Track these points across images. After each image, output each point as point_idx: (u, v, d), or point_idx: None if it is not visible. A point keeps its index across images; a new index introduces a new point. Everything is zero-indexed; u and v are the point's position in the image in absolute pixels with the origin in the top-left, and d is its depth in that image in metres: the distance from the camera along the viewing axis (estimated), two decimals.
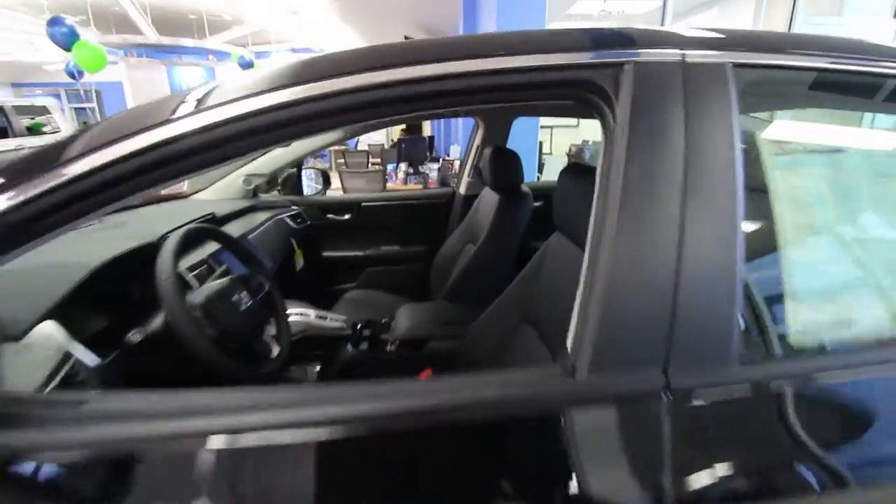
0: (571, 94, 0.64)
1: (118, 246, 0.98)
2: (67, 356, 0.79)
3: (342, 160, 7.87)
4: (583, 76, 0.61)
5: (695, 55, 0.61)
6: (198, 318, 0.87)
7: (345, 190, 4.51)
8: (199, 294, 0.94)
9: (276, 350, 1.04)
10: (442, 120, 8.90)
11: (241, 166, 2.00)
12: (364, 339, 1.47)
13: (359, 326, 1.51)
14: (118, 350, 0.83)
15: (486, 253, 1.67)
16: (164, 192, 2.15)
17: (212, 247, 1.30)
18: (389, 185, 4.81)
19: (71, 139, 0.60)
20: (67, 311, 0.85)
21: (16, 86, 12.87)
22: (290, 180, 2.21)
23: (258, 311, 1.06)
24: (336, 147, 9.94)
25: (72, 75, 7.01)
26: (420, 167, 4.96)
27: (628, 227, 0.55)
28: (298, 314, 1.46)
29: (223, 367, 0.85)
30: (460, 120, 5.52)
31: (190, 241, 0.96)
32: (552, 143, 6.90)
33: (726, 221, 0.56)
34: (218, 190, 1.97)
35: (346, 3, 6.90)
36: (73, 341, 0.79)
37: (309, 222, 2.15)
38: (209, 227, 1.04)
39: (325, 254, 2.22)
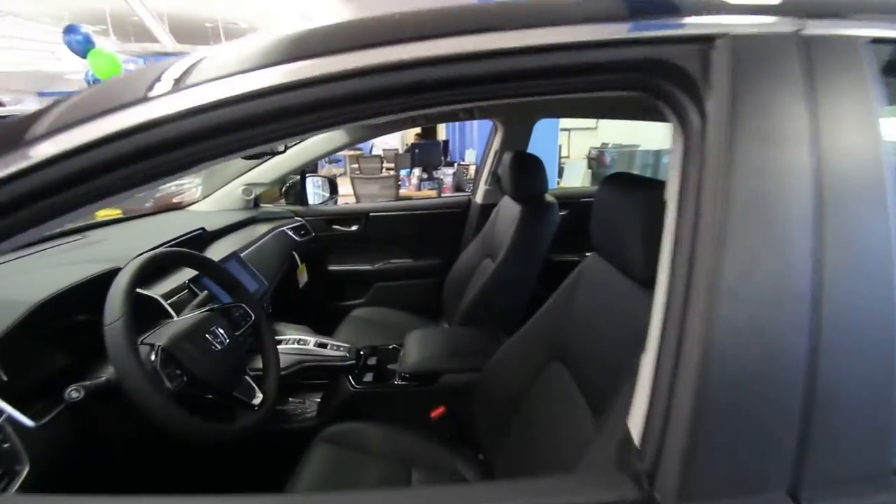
0: (630, 80, 0.46)
1: (77, 272, 0.84)
2: None
3: (356, 165, 7.80)
4: (653, 55, 0.43)
5: (815, 26, 0.43)
6: (154, 368, 0.71)
7: (357, 196, 4.39)
8: (161, 335, 0.78)
9: (258, 397, 0.88)
10: (457, 123, 8.78)
11: (242, 174, 1.87)
12: (369, 369, 1.30)
13: (363, 354, 1.35)
14: (62, 407, 0.68)
15: (506, 271, 1.49)
16: (175, 199, 2.04)
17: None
18: (403, 190, 4.67)
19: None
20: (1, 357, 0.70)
21: (42, 94, 13.18)
22: (293, 189, 2.07)
23: (239, 347, 0.90)
24: (350, 152, 9.93)
25: (90, 84, 7.07)
26: (434, 172, 4.80)
27: (735, 269, 0.37)
28: (297, 341, 1.30)
29: (186, 430, 0.69)
30: (475, 123, 5.36)
31: (150, 269, 0.80)
32: (570, 145, 6.68)
33: (882, 261, 0.38)
34: (216, 201, 1.84)
35: (358, 7, 6.82)
36: None
37: (314, 234, 2.00)
38: (177, 251, 0.89)
39: (332, 268, 2.07)
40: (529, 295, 1.57)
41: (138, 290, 0.99)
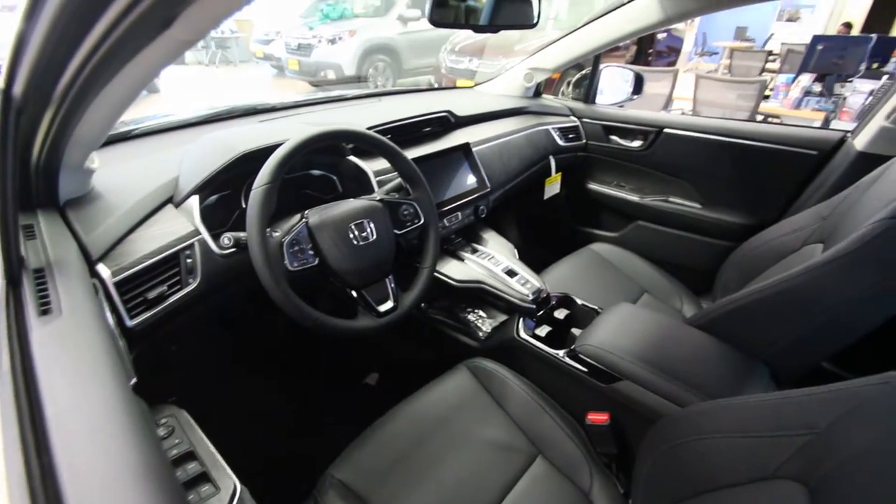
0: None
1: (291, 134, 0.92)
2: (193, 234, 0.80)
3: (728, 61, 6.09)
4: None
5: None
6: (280, 244, 0.73)
7: (695, 104, 3.46)
8: (321, 211, 0.80)
9: (388, 304, 0.83)
10: None
11: (531, 56, 1.66)
12: (548, 322, 1.08)
13: (552, 302, 1.11)
14: (234, 249, 0.80)
15: (835, 277, 0.85)
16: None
17: (415, 151, 1.13)
18: (769, 105, 3.36)
19: None
20: (216, 191, 0.87)
21: None
22: (584, 81, 1.73)
23: (389, 247, 0.85)
24: (735, 42, 7.90)
25: None
26: (839, 86, 3.20)
27: None
28: (489, 258, 1.18)
29: (290, 310, 0.71)
30: None
31: (318, 146, 0.79)
32: None
33: None
34: (501, 83, 1.74)
35: None
36: (202, 225, 0.80)
37: (584, 141, 1.68)
38: (350, 132, 0.84)
39: (591, 186, 1.74)
40: (862, 332, 0.88)
41: (354, 159, 1.06)
